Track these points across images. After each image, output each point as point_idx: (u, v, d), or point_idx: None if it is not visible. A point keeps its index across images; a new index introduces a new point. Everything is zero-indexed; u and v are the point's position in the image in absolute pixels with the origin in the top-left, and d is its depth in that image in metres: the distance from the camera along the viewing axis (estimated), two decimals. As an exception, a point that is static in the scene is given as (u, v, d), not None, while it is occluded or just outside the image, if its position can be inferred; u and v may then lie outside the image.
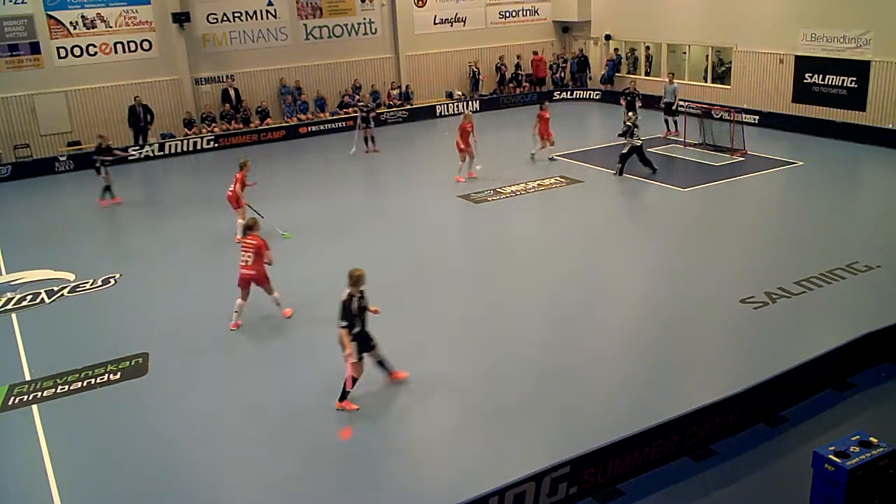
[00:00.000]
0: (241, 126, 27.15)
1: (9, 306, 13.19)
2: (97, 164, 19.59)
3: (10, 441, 9.20)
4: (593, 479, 7.48)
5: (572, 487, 7.34)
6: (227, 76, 27.49)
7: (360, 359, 9.30)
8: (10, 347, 11.65)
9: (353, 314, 9.06)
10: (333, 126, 27.52)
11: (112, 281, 14.07)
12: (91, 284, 13.97)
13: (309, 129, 27.62)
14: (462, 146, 19.46)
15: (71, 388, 10.21)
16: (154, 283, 14.04)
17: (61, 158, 24.12)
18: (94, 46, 25.51)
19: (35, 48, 24.80)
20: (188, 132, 26.15)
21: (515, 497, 6.97)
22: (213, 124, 26.76)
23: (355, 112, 26.32)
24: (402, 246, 15.16)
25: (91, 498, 8.04)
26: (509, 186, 18.67)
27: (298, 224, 16.47)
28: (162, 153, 25.50)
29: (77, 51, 25.32)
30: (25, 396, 10.09)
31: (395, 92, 29.63)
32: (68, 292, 13.70)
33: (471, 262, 14.26)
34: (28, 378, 10.60)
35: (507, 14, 32.21)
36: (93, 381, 10.37)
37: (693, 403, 8.15)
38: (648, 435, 7.74)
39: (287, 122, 27.85)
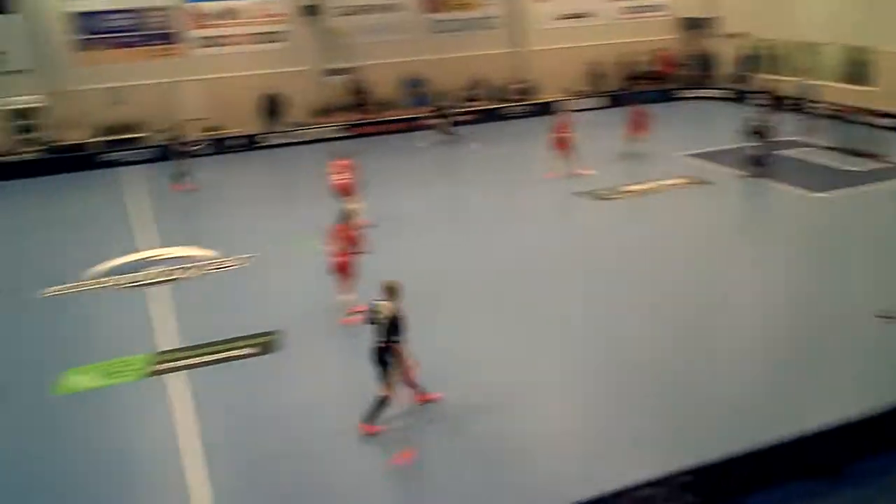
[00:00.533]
0: (368, 116, 27.87)
1: (157, 279, 14.12)
2: (179, 151, 21.34)
3: (157, 403, 9.85)
4: (717, 489, 7.33)
5: (696, 496, 7.20)
6: (354, 67, 28.25)
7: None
8: (158, 317, 12.48)
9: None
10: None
11: (249, 261, 14.78)
12: (230, 263, 14.75)
13: (429, 121, 28.02)
14: (560, 143, 19.49)
15: (212, 358, 10.85)
16: (288, 263, 14.67)
17: (199, 143, 25.37)
18: (232, 37, 26.72)
19: (178, 38, 26.20)
20: (318, 120, 27.01)
21: (637, 500, 6.93)
22: (341, 114, 27.60)
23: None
24: (525, 240, 15.24)
25: (231, 457, 8.56)
26: (633, 185, 18.47)
27: (420, 215, 16.90)
28: (292, 141, 26.46)
29: (214, 41, 26.59)
30: (169, 363, 10.78)
31: (518, 87, 29.70)
32: (210, 269, 14.52)
33: (594, 261, 14.13)
34: (173, 347, 11.32)
35: (632, 9, 31.80)
36: (230, 353, 10.97)
37: (824, 421, 7.79)
38: (776, 450, 7.48)
39: (408, 115, 28.36)
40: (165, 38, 26.24)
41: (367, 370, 8.73)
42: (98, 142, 25.58)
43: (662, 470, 7.10)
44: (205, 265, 14.71)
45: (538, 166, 20.14)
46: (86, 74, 25.62)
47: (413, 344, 8.79)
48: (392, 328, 8.47)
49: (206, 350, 11.06)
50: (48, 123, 25.39)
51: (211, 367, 10.62)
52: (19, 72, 25.05)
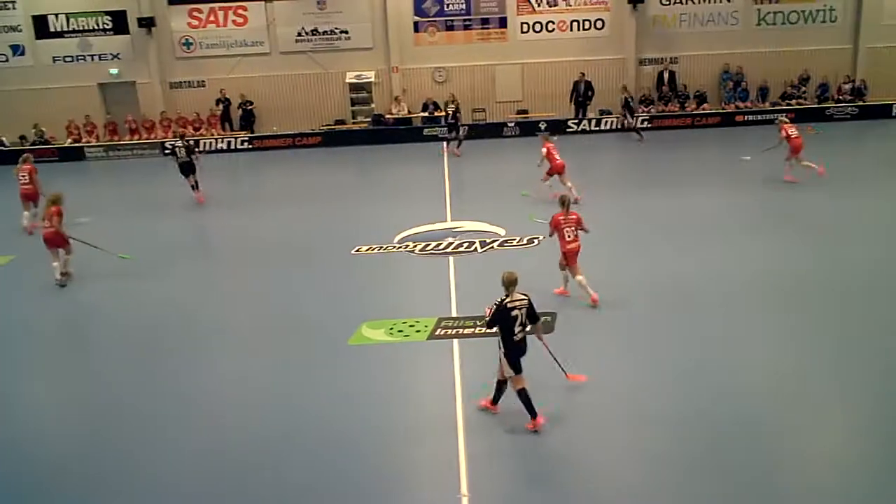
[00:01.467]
0: (676, 108, 27.21)
1: (448, 250, 15.10)
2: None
3: (432, 364, 10.61)
4: None
5: None
6: (669, 58, 27.66)
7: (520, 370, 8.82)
8: (444, 285, 13.33)
9: (499, 321, 8.77)
10: (769, 117, 26.09)
11: (536, 241, 15.28)
12: (517, 241, 15.34)
13: (746, 117, 26.66)
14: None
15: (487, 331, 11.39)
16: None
17: (509, 124, 26.47)
18: (553, 23, 27.39)
19: (503, 23, 27.42)
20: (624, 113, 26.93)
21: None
22: (651, 105, 27.19)
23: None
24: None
25: (489, 431, 8.90)
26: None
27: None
28: (597, 128, 26.65)
29: (538, 27, 27.42)
30: (449, 330, 11.52)
31: (847, 87, 27.18)
32: (497, 245, 15.22)
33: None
34: (454, 315, 12.09)
35: None
36: (506, 328, 11.44)
37: None
38: None
39: (724, 109, 27.20)
40: (494, 23, 27.58)
41: (630, 356, 8.68)
42: (419, 116, 27.75)
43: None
44: (492, 241, 15.43)
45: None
46: (417, 54, 27.84)
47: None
48: (531, 316, 8.91)
49: (481, 322, 11.60)
50: (376, 97, 27.98)
51: (482, 339, 11.16)
52: (362, 49, 27.92)
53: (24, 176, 17.87)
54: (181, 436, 9.09)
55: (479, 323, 11.53)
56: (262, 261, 15.20)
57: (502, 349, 8.85)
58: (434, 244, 15.22)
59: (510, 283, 8.89)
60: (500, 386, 9.08)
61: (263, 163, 26.03)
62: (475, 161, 23.62)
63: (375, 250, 15.29)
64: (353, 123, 27.90)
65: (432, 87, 28.11)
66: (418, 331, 11.52)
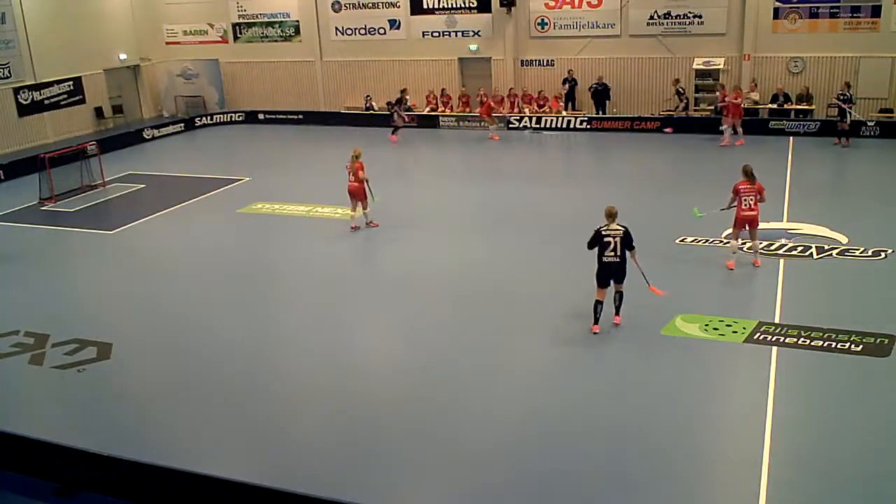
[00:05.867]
0: None
1: (780, 252, 14.47)
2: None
3: (746, 368, 10.45)
4: None
5: None
6: None
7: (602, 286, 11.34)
8: (770, 288, 12.89)
9: (595, 244, 11.24)
10: None
11: (883, 254, 14.09)
12: (861, 252, 14.26)
13: None
14: None
15: (812, 343, 10.86)
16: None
17: (869, 123, 24.20)
18: (939, 12, 24.41)
19: (876, 11, 25.01)
20: None
21: None
22: None
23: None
24: None
25: (796, 448, 8.63)
26: None
27: None
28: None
29: (918, 16, 24.63)
30: (770, 336, 11.16)
31: None
32: (837, 254, 14.27)
33: None
34: (777, 321, 11.66)
35: None
36: (833, 344, 10.82)
37: None
38: None
39: None
40: (866, 11, 25.25)
41: None
42: (766, 108, 26.37)
43: None
44: (831, 248, 14.48)
45: None
46: (773, 42, 26.41)
47: None
48: (626, 241, 11.10)
49: (806, 333, 11.13)
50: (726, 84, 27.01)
51: (807, 351, 10.72)
52: (713, 34, 27.11)
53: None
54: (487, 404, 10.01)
55: (803, 333, 11.09)
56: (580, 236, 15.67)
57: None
58: (765, 244, 14.65)
59: (609, 215, 11.20)
60: (622, 296, 11.59)
61: (602, 143, 26.51)
62: (825, 160, 22.08)
63: (700, 243, 15.12)
64: (696, 110, 27.26)
65: (785, 77, 26.51)
66: (735, 331, 11.36)
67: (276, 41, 33.38)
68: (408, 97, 29.06)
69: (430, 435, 9.20)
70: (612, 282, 11.39)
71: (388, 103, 28.64)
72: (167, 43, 34.83)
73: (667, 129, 26.50)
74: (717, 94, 25.36)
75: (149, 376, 11.11)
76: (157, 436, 9.49)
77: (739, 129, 23.95)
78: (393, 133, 27.20)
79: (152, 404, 10.36)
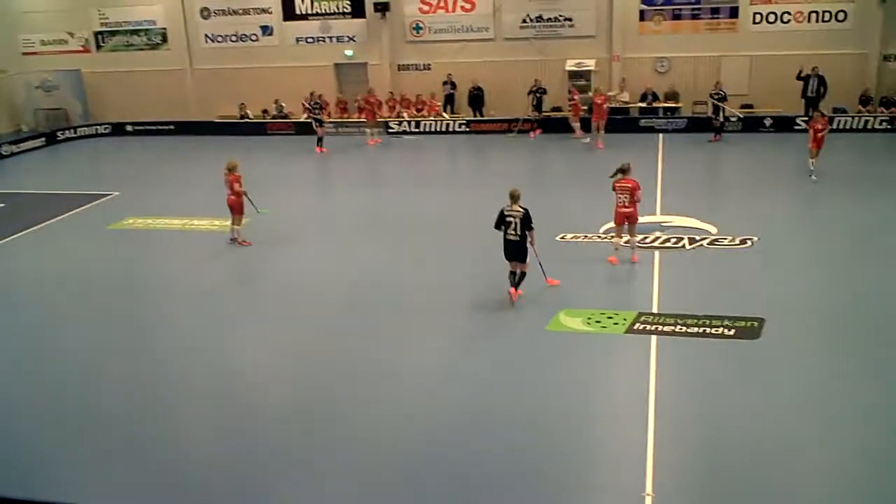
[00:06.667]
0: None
1: (655, 244, 14.91)
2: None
3: (627, 358, 10.64)
4: None
5: None
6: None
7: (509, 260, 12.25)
8: (647, 280, 13.23)
9: (499, 224, 12.10)
10: None
11: (749, 242, 14.72)
12: (729, 241, 14.85)
13: None
14: None
15: (688, 330, 11.17)
16: (788, 252, 14.31)
17: (732, 119, 25.40)
18: (789, 14, 25.91)
19: (734, 12, 26.29)
20: (861, 109, 25.05)
21: None
22: (893, 107, 25.10)
23: None
24: None
25: (678, 431, 8.83)
26: None
27: None
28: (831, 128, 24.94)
29: (772, 17, 26.06)
30: (649, 326, 11.41)
31: None
32: (708, 244, 14.82)
33: None
34: (655, 311, 11.96)
35: None
36: (708, 330, 11.16)
37: None
38: None
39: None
40: (725, 12, 26.49)
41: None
42: (637, 106, 27.30)
43: None
44: (706, 239, 15.03)
45: None
46: (640, 43, 27.37)
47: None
48: (525, 222, 11.93)
49: (683, 321, 11.45)
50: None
51: (684, 338, 11.01)
52: (584, 37, 27.85)
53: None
54: (368, 407, 9.81)
55: (679, 321, 11.42)
56: (467, 239, 15.74)
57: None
58: (641, 237, 15.03)
59: (512, 197, 12.07)
60: (522, 275, 12.32)
61: (480, 145, 26.74)
62: (688, 155, 23.00)
63: (580, 239, 15.40)
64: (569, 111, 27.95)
65: (653, 77, 27.53)
66: (616, 323, 11.56)
67: (142, 49, 32.17)
68: (284, 104, 28.52)
69: (319, 444, 8.91)
70: (516, 258, 12.23)
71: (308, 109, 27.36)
72: (24, 54, 32.96)
73: (531, 134, 26.86)
74: (582, 95, 26.04)
75: (13, 407, 10.28)
76: (38, 470, 8.77)
77: (601, 132, 24.53)
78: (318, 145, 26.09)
79: (21, 437, 9.58)
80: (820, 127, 18.91)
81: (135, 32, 32.01)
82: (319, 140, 25.88)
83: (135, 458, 8.83)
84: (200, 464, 8.82)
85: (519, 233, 12.02)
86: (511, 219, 12.05)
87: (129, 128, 31.64)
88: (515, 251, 12.18)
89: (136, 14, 31.71)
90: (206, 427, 9.63)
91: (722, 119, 24.21)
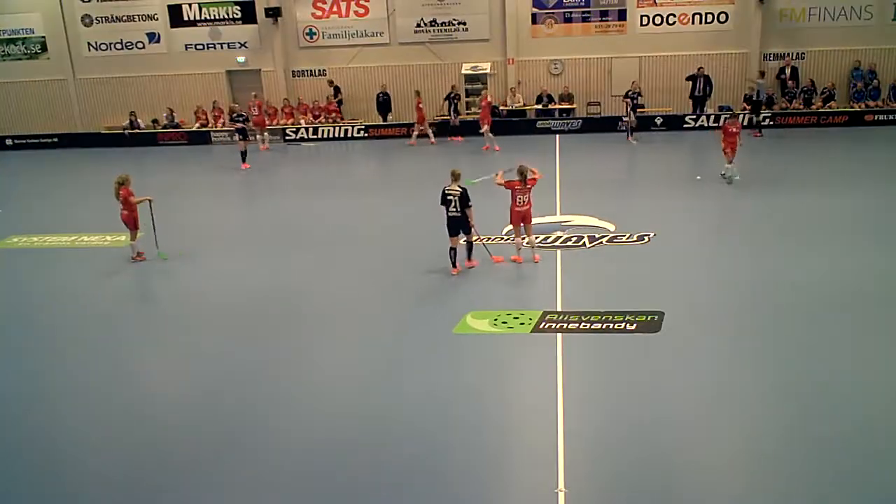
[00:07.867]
0: (800, 106, 26.22)
1: (556, 243, 15.12)
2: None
3: (535, 357, 10.69)
4: None
5: None
6: (796, 54, 26.63)
7: (452, 235, 13.37)
8: (551, 278, 13.39)
9: (442, 202, 13.20)
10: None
11: (647, 238, 15.12)
12: (627, 238, 15.22)
13: (875, 117, 25.45)
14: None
15: (592, 326, 11.35)
16: (684, 246, 14.77)
17: (624, 118, 26.11)
18: (674, 16, 26.83)
19: (622, 15, 27.04)
20: (746, 107, 26.14)
21: None
22: (773, 105, 26.34)
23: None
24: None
25: (587, 426, 8.91)
26: None
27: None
28: (716, 125, 25.94)
29: (658, 19, 26.92)
30: (554, 324, 11.54)
31: None
32: (607, 241, 15.14)
33: None
34: (559, 309, 12.12)
35: None
36: (611, 325, 11.36)
37: None
38: None
39: (851, 108, 26.02)
40: (613, 15, 27.23)
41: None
42: (533, 108, 27.74)
43: None
44: (605, 237, 15.36)
45: None
46: (534, 46, 27.82)
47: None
48: (463, 200, 13.00)
49: (586, 318, 11.64)
50: (491, 89, 28.11)
51: (589, 335, 11.19)
52: (478, 41, 28.12)
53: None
54: (280, 419, 9.56)
55: (583, 318, 11.58)
56: (370, 247, 15.61)
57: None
58: (542, 237, 15.23)
59: (452, 175, 13.24)
60: (470, 245, 13.67)
61: (379, 151, 26.61)
62: (585, 155, 23.50)
63: (483, 240, 15.45)
64: (468, 115, 28.12)
65: (548, 79, 28.05)
66: (522, 323, 11.63)
67: (19, 59, 30.58)
68: (175, 113, 27.64)
69: (227, 459, 8.58)
70: (460, 232, 13.38)
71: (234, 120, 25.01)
72: None
73: (456, 138, 26.97)
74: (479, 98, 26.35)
75: None
76: None
77: (489, 134, 24.79)
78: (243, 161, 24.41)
79: None
80: (735, 130, 18.90)
81: (11, 41, 30.45)
82: (243, 154, 24.12)
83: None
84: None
85: (459, 209, 13.12)
86: (451, 197, 13.16)
87: (9, 142, 30.07)
88: (457, 226, 13.32)
89: (12, 22, 30.16)
90: (101, 462, 9.15)
91: (635, 118, 24.80)
